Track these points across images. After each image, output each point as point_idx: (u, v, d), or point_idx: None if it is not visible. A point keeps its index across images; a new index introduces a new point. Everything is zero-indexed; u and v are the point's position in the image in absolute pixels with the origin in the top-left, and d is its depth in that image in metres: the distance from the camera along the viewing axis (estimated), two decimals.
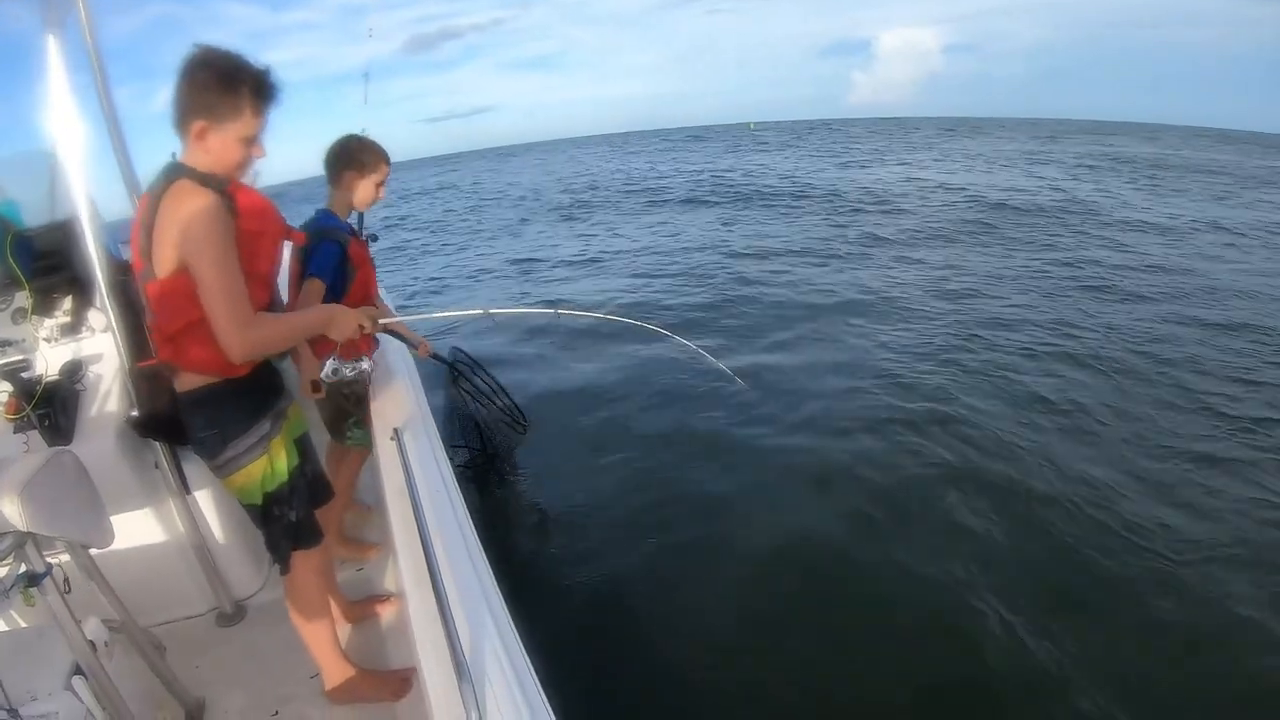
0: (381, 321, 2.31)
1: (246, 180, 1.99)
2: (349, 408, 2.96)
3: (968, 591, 3.90)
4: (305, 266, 2.63)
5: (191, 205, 1.76)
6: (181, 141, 1.87)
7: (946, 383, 6.67)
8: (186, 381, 2.02)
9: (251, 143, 1.89)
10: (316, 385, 2.50)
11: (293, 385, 2.44)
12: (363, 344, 2.48)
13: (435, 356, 3.72)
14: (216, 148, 1.84)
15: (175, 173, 1.83)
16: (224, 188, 1.84)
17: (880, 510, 4.71)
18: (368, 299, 2.82)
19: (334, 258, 2.67)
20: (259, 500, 2.12)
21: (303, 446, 2.36)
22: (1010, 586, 3.92)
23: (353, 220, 2.98)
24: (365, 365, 2.46)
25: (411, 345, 3.19)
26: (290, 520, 2.18)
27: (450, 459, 4.28)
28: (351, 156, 2.81)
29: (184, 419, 2.08)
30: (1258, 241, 13.68)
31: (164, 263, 1.82)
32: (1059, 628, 3.61)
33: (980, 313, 8.95)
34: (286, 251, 2.31)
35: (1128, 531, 4.37)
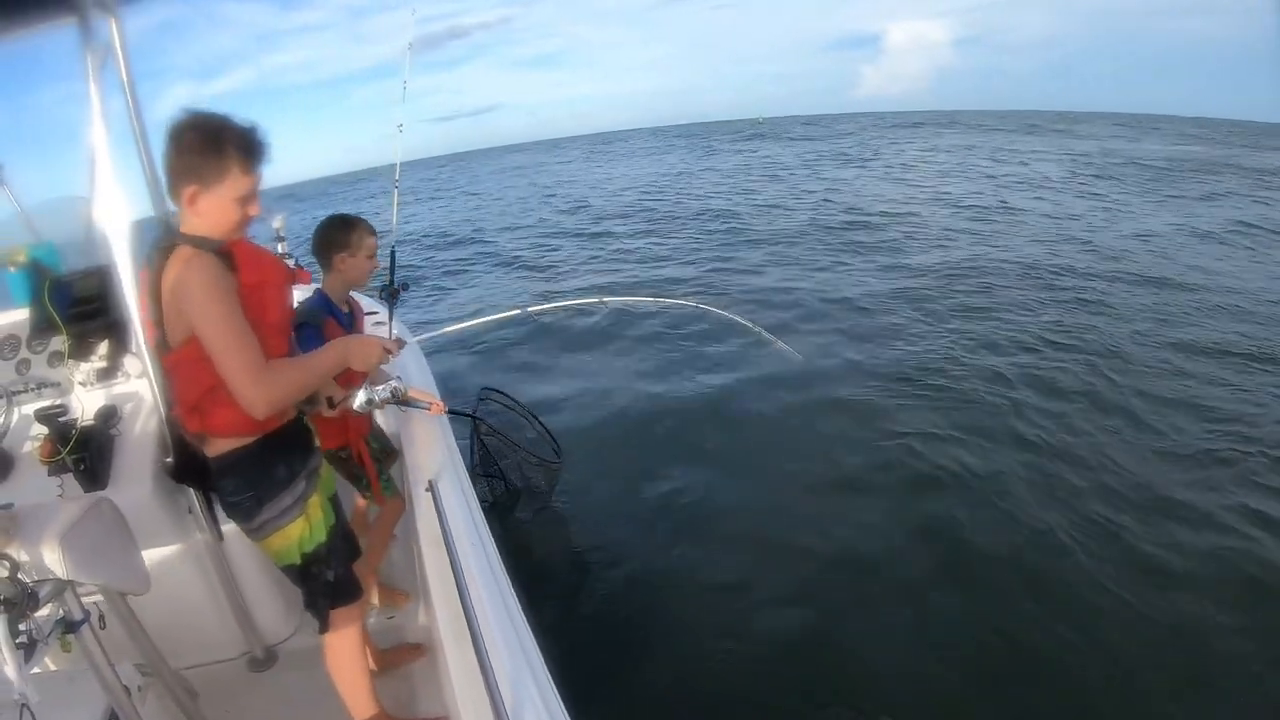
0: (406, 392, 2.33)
1: (273, 225, 2.02)
2: (375, 464, 2.98)
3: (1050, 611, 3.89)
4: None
5: (189, 272, 1.76)
6: (177, 209, 1.88)
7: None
8: (217, 446, 2.02)
9: (246, 202, 1.88)
10: (331, 402, 2.41)
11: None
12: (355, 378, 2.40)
13: (454, 412, 3.70)
14: (209, 210, 1.83)
15: (170, 243, 1.85)
16: (218, 248, 1.84)
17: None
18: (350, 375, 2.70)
19: (310, 342, 2.66)
20: (297, 561, 2.11)
21: (335, 503, 2.36)
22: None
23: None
24: (397, 384, 2.37)
25: (423, 407, 2.87)
26: (329, 579, 2.16)
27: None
28: (335, 240, 2.84)
29: (216, 484, 2.07)
30: None
31: (176, 334, 1.84)
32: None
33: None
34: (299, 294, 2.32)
35: None
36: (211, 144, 1.78)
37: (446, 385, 3.36)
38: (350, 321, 2.94)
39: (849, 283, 11.06)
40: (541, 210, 23.38)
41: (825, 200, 20.06)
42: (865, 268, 12.08)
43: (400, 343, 2.28)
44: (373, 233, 2.93)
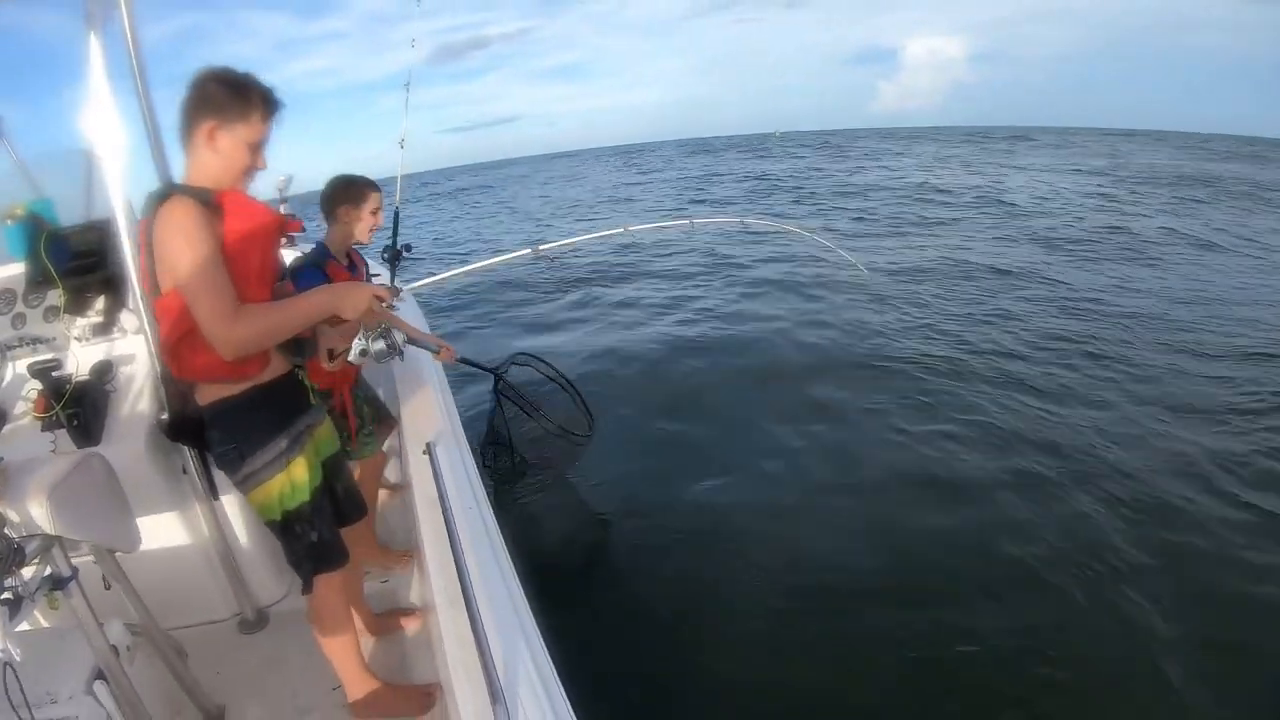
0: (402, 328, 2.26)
1: (276, 181, 2.00)
2: (357, 420, 2.96)
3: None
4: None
5: (174, 220, 1.78)
6: (186, 153, 1.90)
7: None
8: (206, 395, 2.02)
9: (256, 150, 1.94)
10: (332, 353, 2.36)
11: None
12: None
13: (469, 363, 3.66)
14: (226, 148, 1.88)
15: (165, 193, 1.85)
16: (211, 199, 1.84)
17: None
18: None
19: (311, 283, 2.66)
20: (278, 517, 2.10)
21: (333, 465, 2.34)
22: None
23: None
24: (398, 338, 2.28)
25: (431, 349, 2.89)
26: (312, 540, 2.15)
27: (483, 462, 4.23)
28: (339, 194, 2.91)
29: (206, 434, 2.07)
30: None
31: (164, 280, 1.84)
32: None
33: None
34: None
35: None
36: (237, 87, 1.86)
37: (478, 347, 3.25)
38: (353, 270, 2.97)
39: None
40: None
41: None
42: None
43: (395, 290, 2.22)
44: (376, 189, 2.97)
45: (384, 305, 2.08)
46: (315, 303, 1.99)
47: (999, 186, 23.54)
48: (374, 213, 2.96)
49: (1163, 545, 4.37)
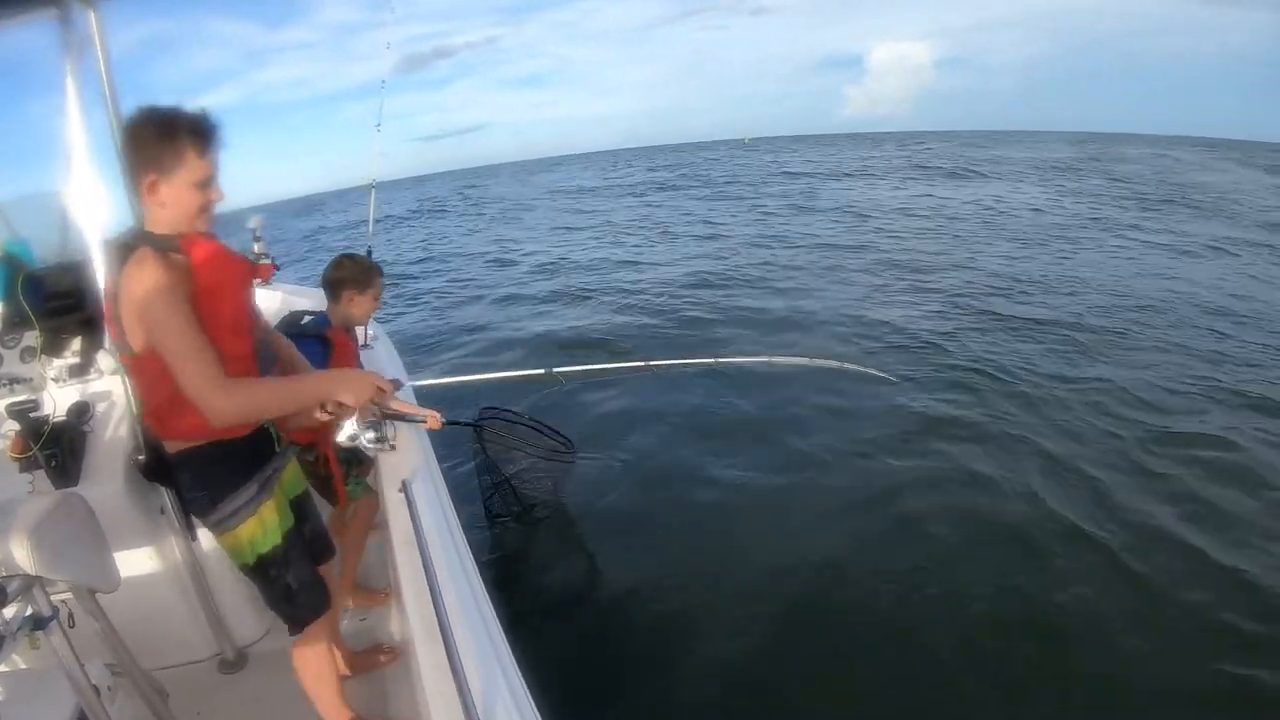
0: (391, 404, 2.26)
1: (249, 225, 2.00)
2: (341, 467, 2.98)
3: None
4: None
5: (146, 282, 1.75)
6: (141, 207, 1.88)
7: None
8: (173, 444, 2.03)
9: (205, 186, 1.87)
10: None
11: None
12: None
13: (453, 423, 3.70)
14: (169, 198, 1.83)
15: (132, 242, 1.83)
16: (179, 246, 1.83)
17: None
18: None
19: (314, 351, 2.71)
20: (251, 560, 2.10)
21: (301, 506, 2.35)
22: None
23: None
24: (390, 432, 2.24)
25: (418, 420, 2.80)
26: (288, 583, 2.15)
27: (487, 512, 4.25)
28: (348, 279, 3.01)
29: (176, 479, 2.08)
30: None
31: (135, 339, 1.83)
32: None
33: None
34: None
35: None
36: (165, 132, 1.79)
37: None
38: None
39: None
40: None
41: None
42: None
43: (397, 383, 2.23)
44: (382, 274, 3.09)
45: (385, 397, 2.07)
46: (314, 387, 2.01)
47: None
48: (376, 299, 3.06)
49: None
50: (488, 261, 17.51)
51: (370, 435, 2.10)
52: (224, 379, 1.76)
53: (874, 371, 3.82)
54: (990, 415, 6.50)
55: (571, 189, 39.10)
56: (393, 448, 2.14)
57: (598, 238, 19.68)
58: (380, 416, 2.16)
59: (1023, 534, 4.71)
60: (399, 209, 36.30)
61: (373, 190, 4.48)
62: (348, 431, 2.06)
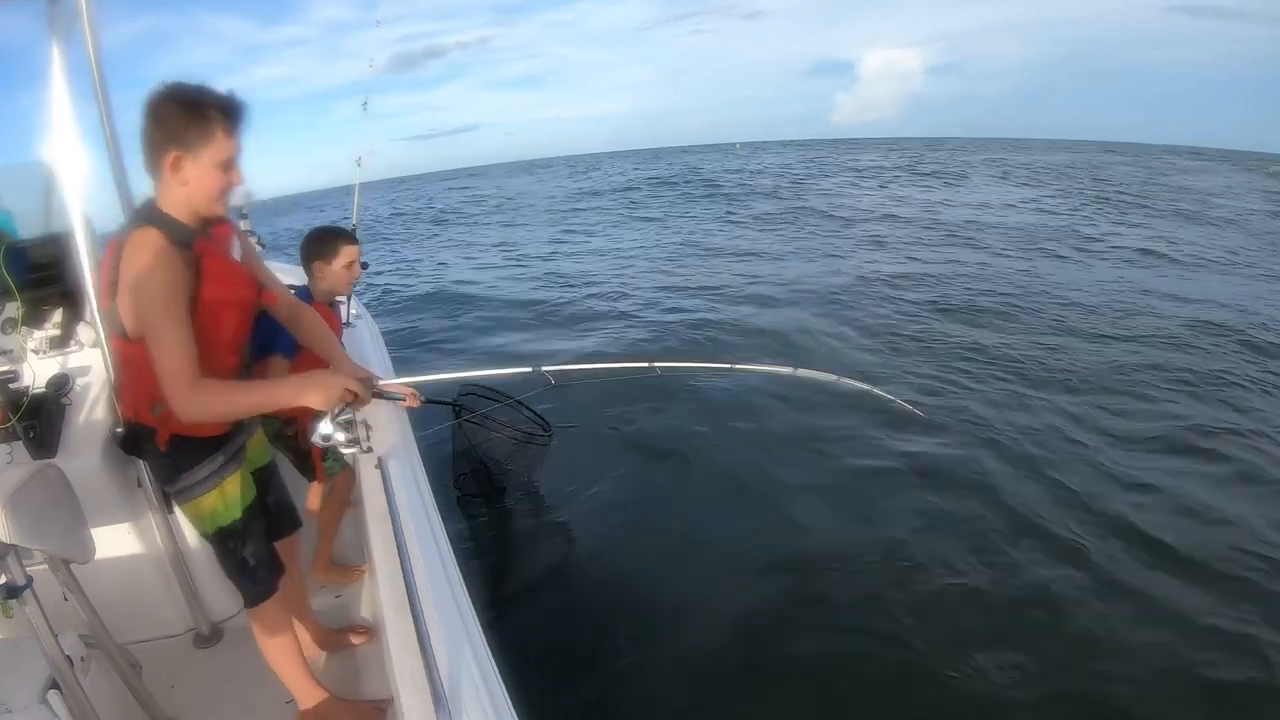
0: (378, 384, 2.24)
1: (235, 202, 1.99)
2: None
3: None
4: (268, 344, 2.63)
5: (144, 265, 1.75)
6: (155, 183, 1.84)
7: None
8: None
9: (228, 167, 1.85)
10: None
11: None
12: None
13: (432, 401, 3.70)
14: (193, 177, 1.81)
15: (144, 218, 1.83)
16: (192, 240, 1.82)
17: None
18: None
19: (282, 342, 2.68)
20: (211, 530, 2.12)
21: (265, 478, 2.36)
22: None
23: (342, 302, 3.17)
24: (364, 434, 2.24)
25: (398, 399, 2.98)
26: (244, 558, 2.16)
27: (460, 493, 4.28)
28: (312, 250, 2.94)
29: (142, 443, 2.07)
30: None
31: (127, 320, 1.82)
32: None
33: None
34: None
35: None
36: (193, 109, 1.76)
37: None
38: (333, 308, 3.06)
39: None
40: None
41: None
42: None
43: (371, 382, 2.19)
44: (350, 241, 2.99)
45: (358, 399, 2.04)
46: (282, 392, 2.01)
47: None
48: (348, 266, 2.97)
49: None
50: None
51: (342, 437, 2.09)
52: (198, 381, 1.77)
53: (903, 404, 3.79)
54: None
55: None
56: (368, 450, 2.14)
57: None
58: (354, 418, 2.15)
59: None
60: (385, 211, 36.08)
61: (359, 165, 4.45)
62: (321, 432, 2.06)
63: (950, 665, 3.61)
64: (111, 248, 1.86)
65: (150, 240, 1.77)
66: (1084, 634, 3.87)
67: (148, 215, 1.83)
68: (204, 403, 1.81)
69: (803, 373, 3.56)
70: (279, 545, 2.36)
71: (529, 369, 2.92)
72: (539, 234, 21.97)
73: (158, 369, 1.76)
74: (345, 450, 2.13)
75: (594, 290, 13.04)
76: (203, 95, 1.78)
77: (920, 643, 3.78)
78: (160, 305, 1.75)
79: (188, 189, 1.82)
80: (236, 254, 2.06)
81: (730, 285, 12.61)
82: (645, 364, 3.14)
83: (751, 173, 40.08)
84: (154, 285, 1.74)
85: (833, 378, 3.59)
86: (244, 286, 2.03)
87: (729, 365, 3.85)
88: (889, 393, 3.98)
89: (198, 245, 1.84)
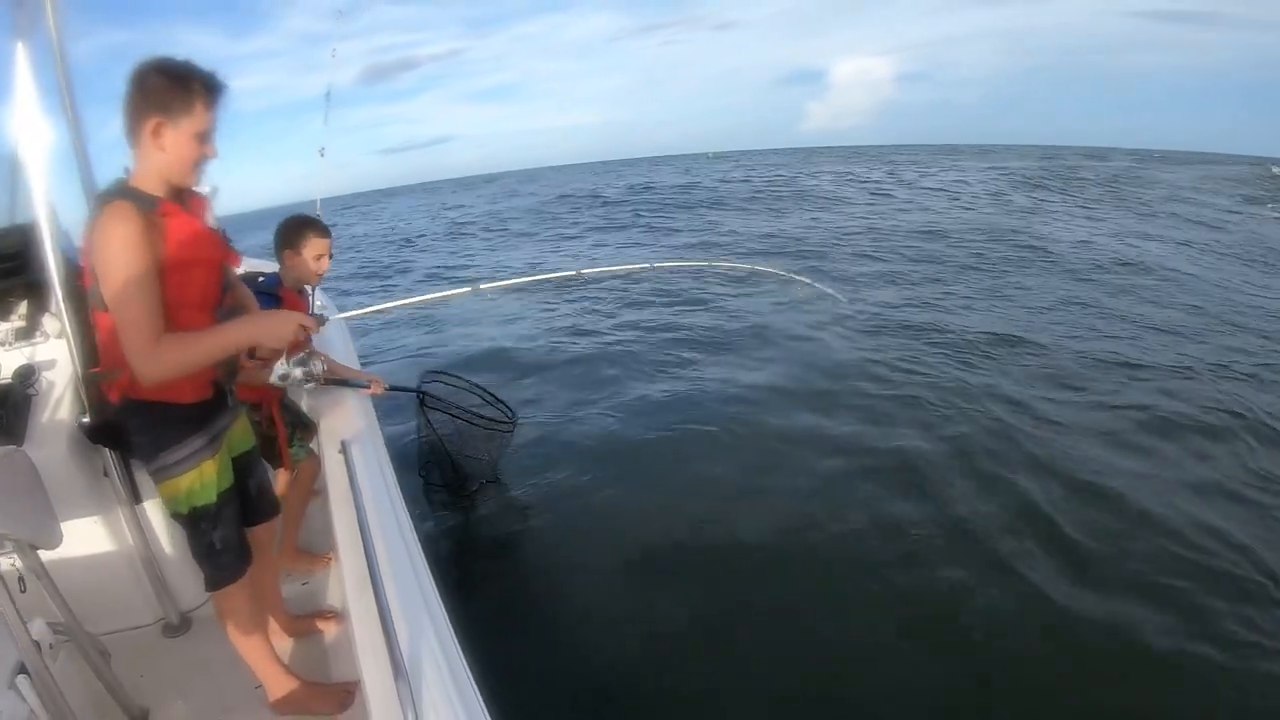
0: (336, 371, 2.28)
1: (200, 188, 2.03)
2: (286, 430, 2.99)
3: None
4: None
5: (113, 233, 1.79)
6: (133, 151, 1.91)
7: None
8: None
9: (205, 139, 1.93)
10: (253, 353, 2.34)
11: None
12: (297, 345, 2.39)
13: (396, 389, 3.73)
14: (171, 144, 1.87)
15: (113, 195, 1.87)
16: (157, 204, 1.87)
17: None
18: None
19: (267, 307, 2.70)
20: (185, 511, 2.14)
21: (247, 462, 2.38)
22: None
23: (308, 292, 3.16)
24: (318, 367, 2.36)
25: (362, 385, 3.06)
26: (212, 542, 2.19)
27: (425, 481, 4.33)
28: (282, 239, 2.97)
29: (123, 421, 2.10)
30: None
31: (106, 292, 1.85)
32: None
33: None
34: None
35: None
36: (179, 79, 1.85)
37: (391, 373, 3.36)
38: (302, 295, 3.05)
39: None
40: None
41: None
42: None
43: (320, 319, 2.26)
44: (321, 233, 3.00)
45: (308, 334, 2.11)
46: (237, 333, 2.03)
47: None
48: (317, 258, 2.98)
49: None
50: None
51: (299, 372, 2.15)
52: (156, 346, 1.81)
53: (825, 289, 3.91)
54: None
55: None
56: (318, 384, 2.18)
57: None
58: (308, 355, 2.21)
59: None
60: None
61: (321, 155, 4.47)
62: (278, 371, 2.10)
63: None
64: (88, 230, 1.90)
65: (116, 209, 1.81)
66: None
67: (118, 191, 1.88)
68: (161, 358, 1.84)
69: (721, 264, 3.66)
70: (257, 530, 2.40)
71: (468, 288, 2.97)
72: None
73: (119, 327, 1.81)
74: (303, 385, 2.18)
75: None
76: (188, 68, 1.87)
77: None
78: (120, 263, 1.79)
79: (165, 156, 1.88)
80: (211, 223, 2.10)
81: None
82: (573, 273, 3.24)
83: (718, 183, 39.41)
84: (114, 245, 1.79)
85: (748, 267, 3.69)
86: (211, 247, 2.05)
87: (649, 265, 3.94)
88: (811, 279, 4.07)
89: (163, 207, 1.88)
